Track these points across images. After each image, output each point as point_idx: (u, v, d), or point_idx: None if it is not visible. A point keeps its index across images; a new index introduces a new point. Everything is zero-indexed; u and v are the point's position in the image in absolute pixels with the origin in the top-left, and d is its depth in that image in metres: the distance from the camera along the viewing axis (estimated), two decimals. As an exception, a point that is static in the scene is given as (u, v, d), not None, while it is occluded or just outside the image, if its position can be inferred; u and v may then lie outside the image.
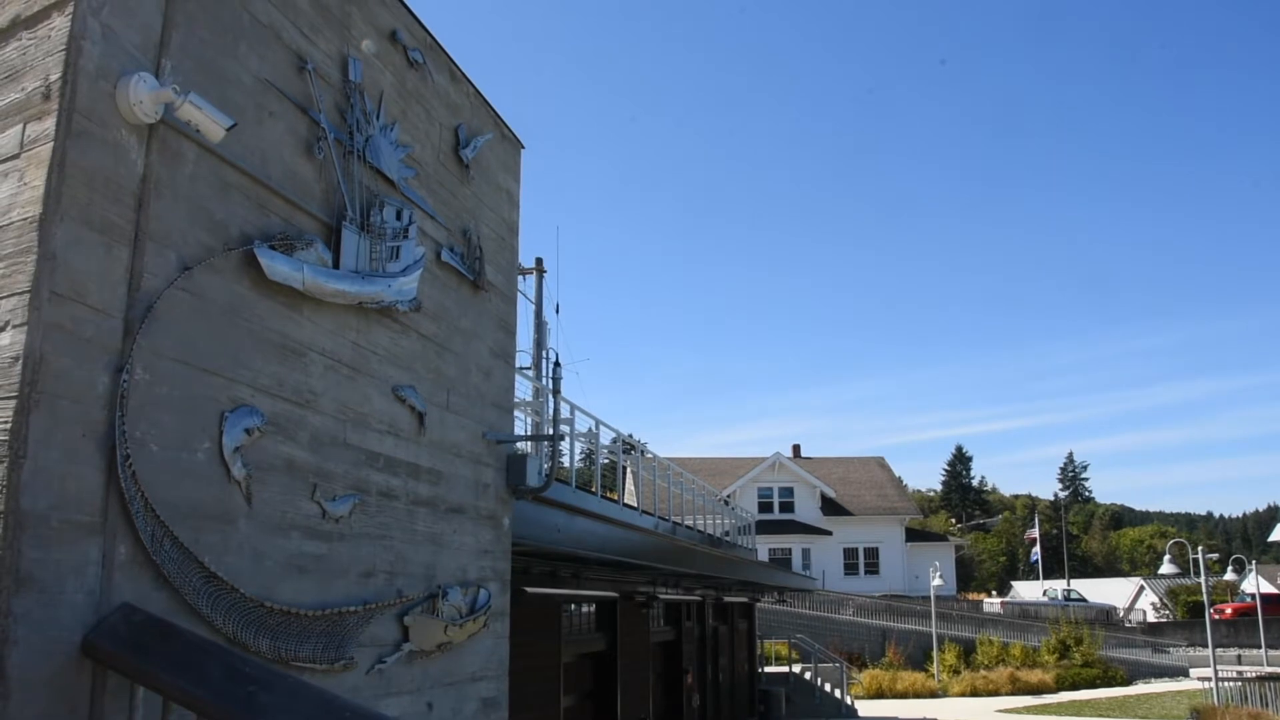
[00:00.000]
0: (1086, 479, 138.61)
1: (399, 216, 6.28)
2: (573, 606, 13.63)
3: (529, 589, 10.60)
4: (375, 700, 5.69)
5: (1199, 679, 31.84)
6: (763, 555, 42.45)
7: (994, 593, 75.51)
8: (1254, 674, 28.94)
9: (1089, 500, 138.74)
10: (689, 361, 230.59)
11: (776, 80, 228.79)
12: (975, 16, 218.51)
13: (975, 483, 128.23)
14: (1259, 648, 44.17)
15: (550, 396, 8.92)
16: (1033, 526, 72.22)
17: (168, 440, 4.30)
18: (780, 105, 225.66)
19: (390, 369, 6.18)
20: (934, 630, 42.60)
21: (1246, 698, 25.97)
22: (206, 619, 4.41)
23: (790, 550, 57.79)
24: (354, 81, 6.02)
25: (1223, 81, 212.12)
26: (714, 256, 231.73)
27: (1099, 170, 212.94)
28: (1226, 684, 27.12)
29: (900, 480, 69.55)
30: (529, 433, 13.76)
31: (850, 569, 59.70)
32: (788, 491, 60.77)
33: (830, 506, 60.33)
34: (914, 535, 62.83)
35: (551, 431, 9.11)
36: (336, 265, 5.62)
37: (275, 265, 5.05)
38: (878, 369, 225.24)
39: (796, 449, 67.54)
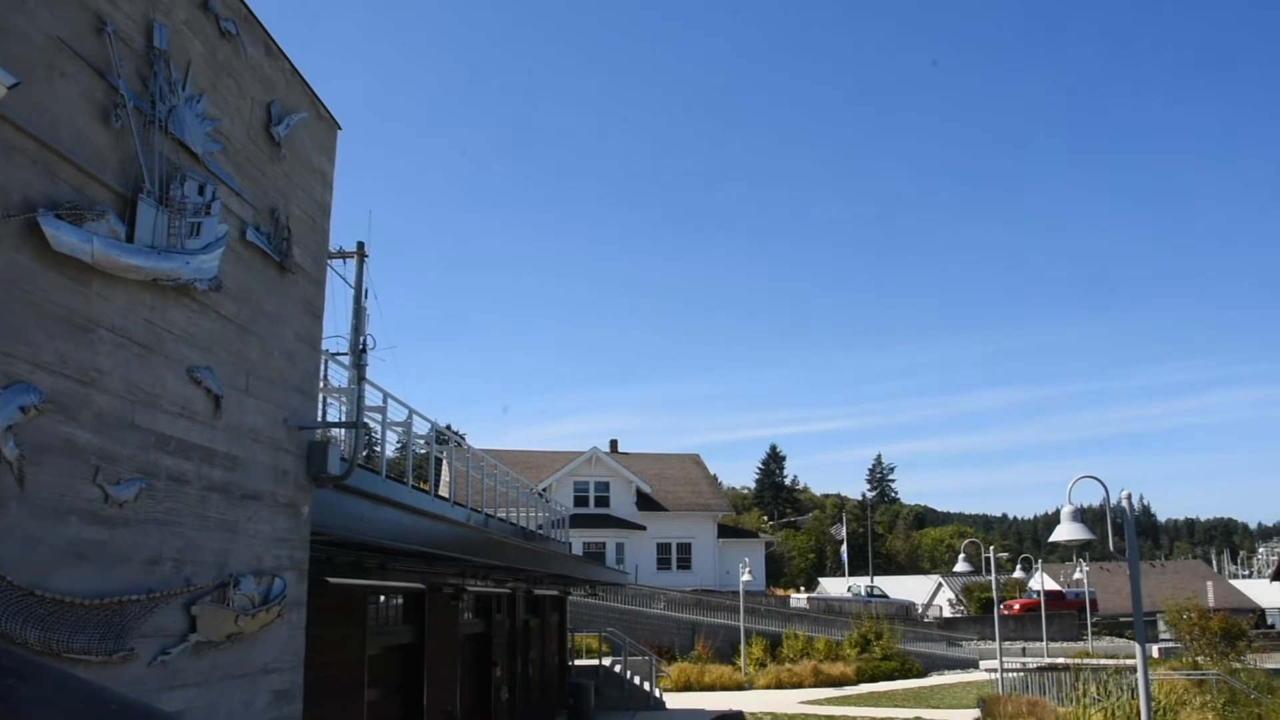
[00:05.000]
0: (893, 480, 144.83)
1: (201, 192, 6.04)
2: (380, 598, 13.38)
3: (331, 579, 10.37)
4: (158, 693, 5.47)
5: (987, 670, 33.63)
6: (577, 549, 42.64)
7: (802, 588, 77.87)
8: (1035, 665, 30.80)
9: (895, 501, 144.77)
10: (520, 353, 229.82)
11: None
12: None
13: (788, 481, 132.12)
14: (1041, 640, 47.30)
15: (358, 383, 8.75)
16: (839, 524, 74.70)
17: (-70, 416, 4.03)
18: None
19: (187, 349, 5.94)
20: (742, 624, 43.70)
21: (1029, 687, 27.56)
22: (-33, 607, 4.16)
23: (605, 544, 58.17)
24: (159, 48, 5.76)
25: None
26: (551, 251, 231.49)
27: (940, 188, 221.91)
28: (1011, 675, 28.76)
29: (715, 478, 70.99)
30: (344, 420, 13.46)
31: (663, 564, 60.56)
32: (604, 486, 61.19)
33: (645, 502, 61.04)
34: (726, 532, 64.18)
35: (355, 419, 8.92)
36: (131, 239, 5.37)
37: (61, 235, 4.80)
38: (698, 369, 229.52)
39: (614, 444, 68.02)
